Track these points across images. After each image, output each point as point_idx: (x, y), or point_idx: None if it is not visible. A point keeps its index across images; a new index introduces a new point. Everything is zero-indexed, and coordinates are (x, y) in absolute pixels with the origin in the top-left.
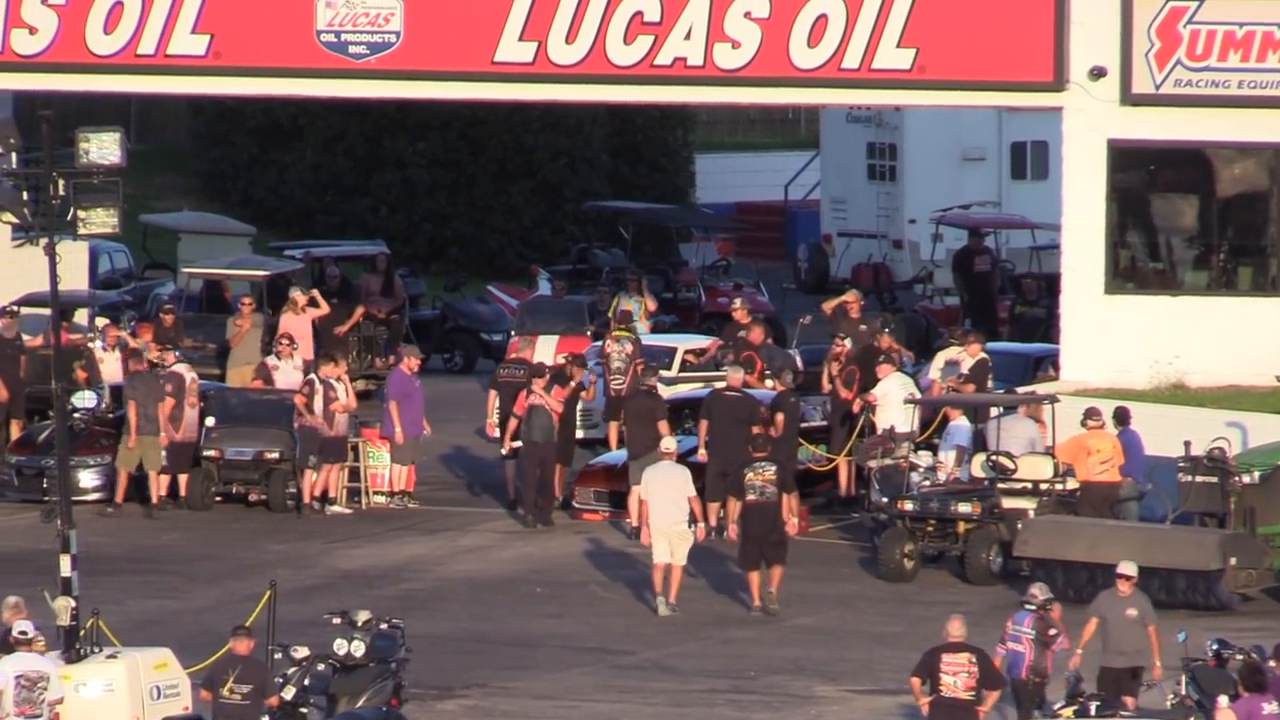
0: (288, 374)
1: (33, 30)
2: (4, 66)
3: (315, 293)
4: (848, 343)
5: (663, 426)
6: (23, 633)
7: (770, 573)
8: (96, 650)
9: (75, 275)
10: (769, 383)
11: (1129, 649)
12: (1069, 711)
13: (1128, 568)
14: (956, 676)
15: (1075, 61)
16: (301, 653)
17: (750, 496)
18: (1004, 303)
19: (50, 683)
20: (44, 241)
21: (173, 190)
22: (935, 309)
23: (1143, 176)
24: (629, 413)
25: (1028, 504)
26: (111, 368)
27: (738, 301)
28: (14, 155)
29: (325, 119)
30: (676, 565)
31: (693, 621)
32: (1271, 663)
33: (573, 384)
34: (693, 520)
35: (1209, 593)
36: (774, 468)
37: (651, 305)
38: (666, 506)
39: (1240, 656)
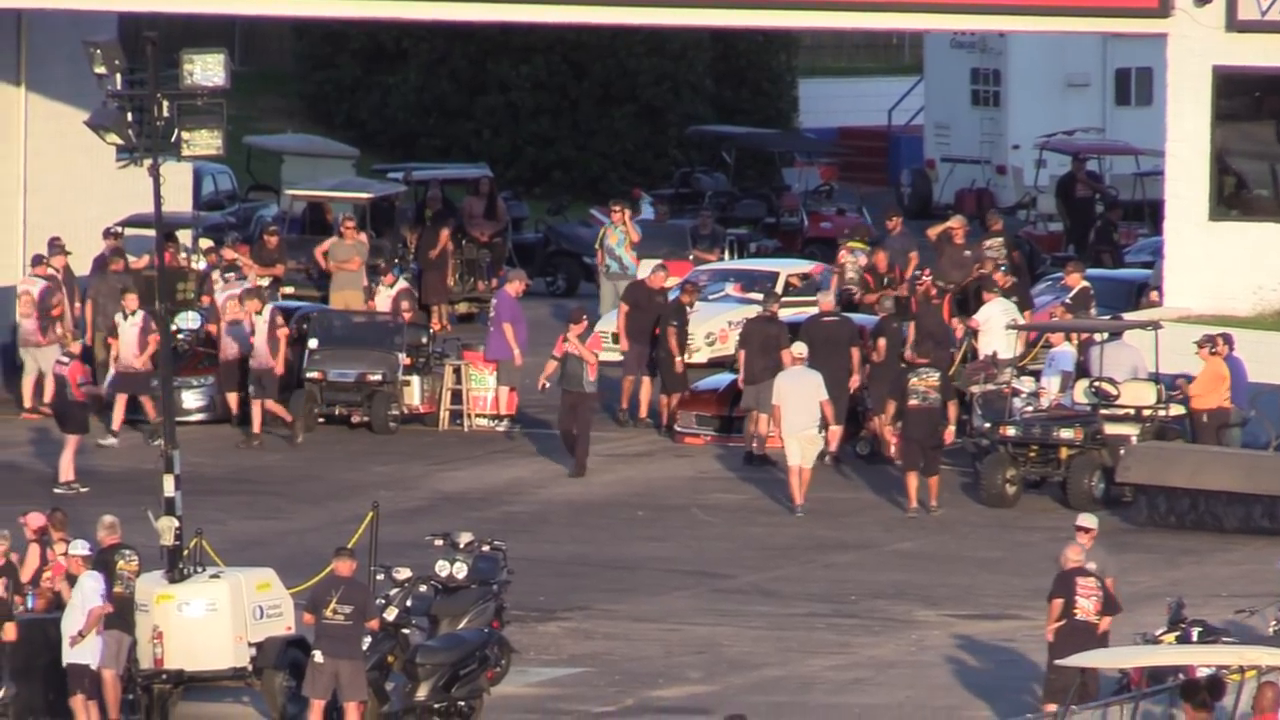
0: (388, 297)
1: None
2: None
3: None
4: (928, 277)
5: (785, 355)
6: (90, 551)
7: (929, 482)
8: (200, 570)
9: (179, 197)
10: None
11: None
12: (1171, 637)
13: (1087, 520)
14: (1089, 599)
15: None
16: (404, 574)
17: (913, 401)
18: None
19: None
20: (148, 163)
21: (276, 113)
22: (1038, 234)
23: (1247, 103)
24: (750, 339)
25: (1130, 430)
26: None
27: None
28: (119, 77)
29: (429, 41)
30: (807, 468)
31: (794, 545)
32: None
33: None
34: (824, 425)
35: None
36: (938, 374)
37: (635, 236)
38: (799, 411)
39: None
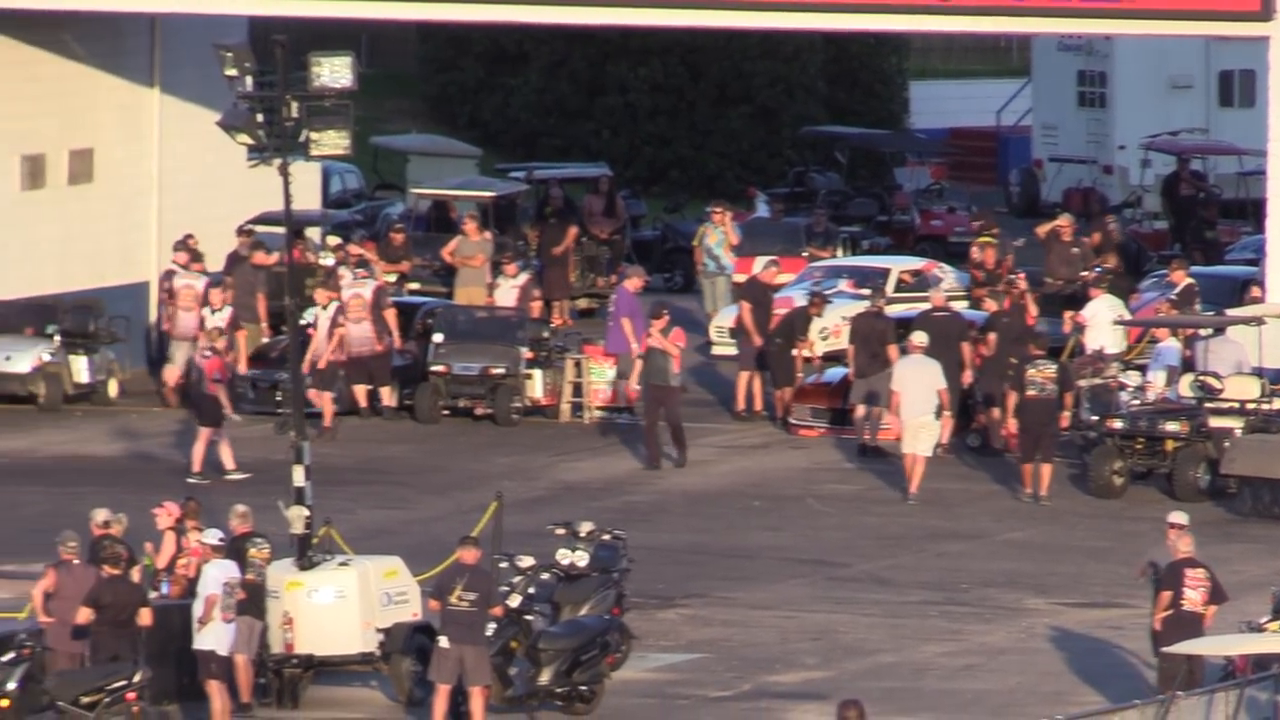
0: (508, 292)
1: None
2: None
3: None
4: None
5: (892, 350)
6: (222, 540)
7: (1041, 470)
8: (329, 558)
9: (308, 195)
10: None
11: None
12: (1275, 625)
13: (1178, 517)
14: (1196, 590)
15: None
16: (526, 562)
17: (1030, 392)
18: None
19: (239, 587)
20: (278, 162)
21: (401, 113)
22: (1144, 233)
23: None
24: (856, 333)
25: (1234, 423)
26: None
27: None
28: (249, 79)
29: (550, 44)
30: (921, 455)
31: (908, 535)
32: None
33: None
34: (940, 412)
35: None
36: (1055, 365)
37: (734, 239)
38: (917, 399)
39: None
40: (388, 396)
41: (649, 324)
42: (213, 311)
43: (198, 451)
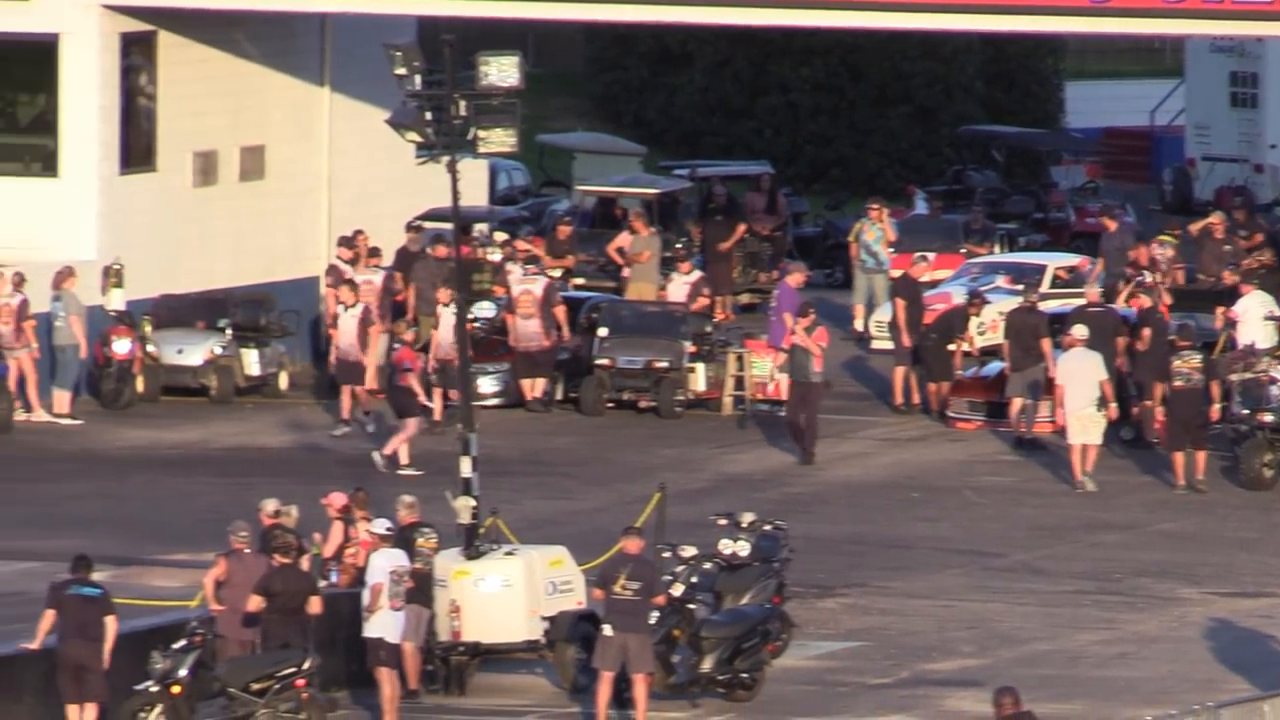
0: (680, 288)
1: None
2: None
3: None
4: (1147, 275)
5: (1045, 344)
6: (390, 529)
7: (1196, 456)
8: (495, 547)
9: (475, 191)
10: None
11: None
12: None
13: None
14: None
15: None
16: (689, 552)
17: (1178, 383)
18: None
19: (407, 575)
20: (446, 159)
21: (567, 112)
22: None
23: None
24: (1011, 328)
25: None
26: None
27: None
28: (418, 78)
29: (713, 45)
30: (1091, 444)
31: (1062, 525)
32: None
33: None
34: (1103, 403)
35: None
36: (1200, 355)
37: (891, 235)
38: (1080, 391)
39: None
40: (538, 389)
41: (811, 320)
42: (345, 309)
43: (398, 443)
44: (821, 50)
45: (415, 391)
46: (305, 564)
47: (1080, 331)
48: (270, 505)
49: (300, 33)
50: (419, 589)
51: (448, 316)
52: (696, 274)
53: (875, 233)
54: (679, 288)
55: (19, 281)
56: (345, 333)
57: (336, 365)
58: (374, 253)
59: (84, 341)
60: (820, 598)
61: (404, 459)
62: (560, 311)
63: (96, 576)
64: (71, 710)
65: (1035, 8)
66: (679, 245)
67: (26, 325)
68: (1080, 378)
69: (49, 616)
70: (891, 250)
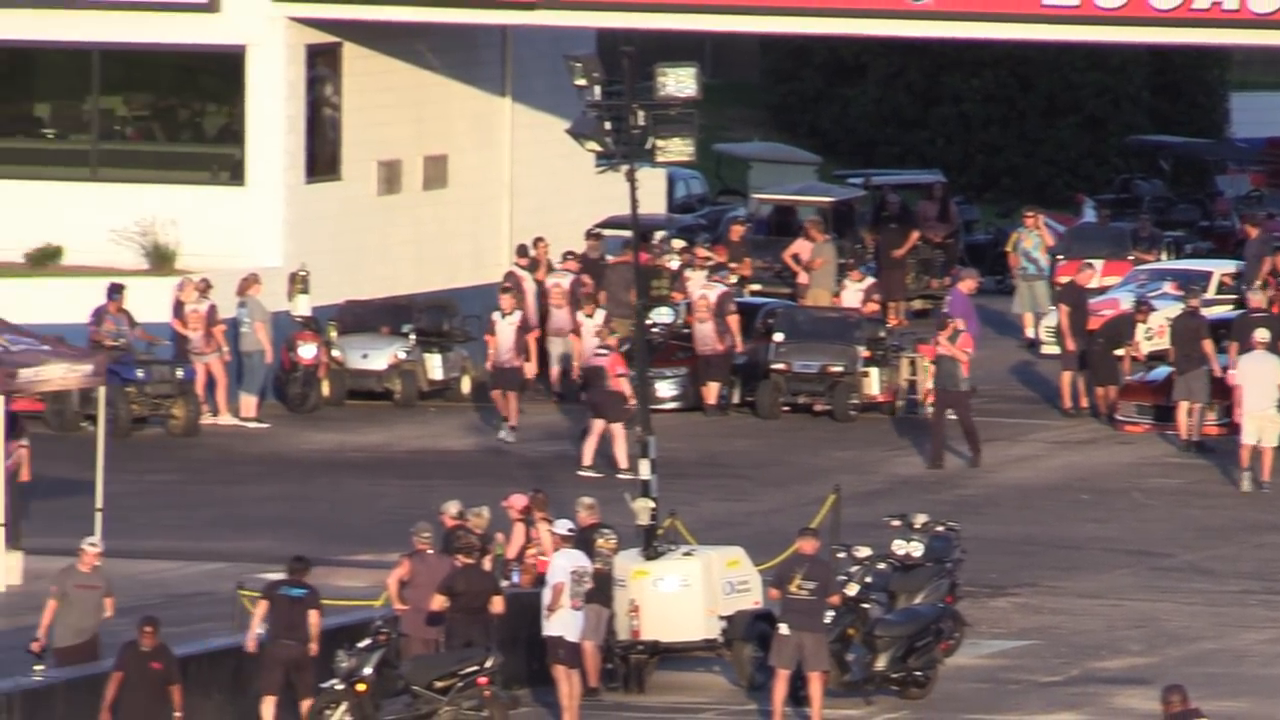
0: (854, 294)
1: None
2: (589, 6)
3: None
4: None
5: (1206, 345)
6: (570, 530)
7: None
8: (674, 548)
9: (653, 200)
10: None
11: None
12: None
13: None
14: None
15: None
16: (863, 552)
17: None
18: None
19: (590, 576)
20: (625, 168)
21: (743, 122)
22: None
23: None
24: (1175, 333)
25: None
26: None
27: None
28: (597, 88)
29: (886, 57)
30: (1266, 446)
31: (1229, 526)
32: None
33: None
34: None
35: None
36: None
37: (1049, 240)
38: (1258, 393)
39: None
40: (713, 393)
41: (953, 329)
42: (503, 315)
43: (618, 451)
44: (992, 62)
45: (626, 396)
46: (488, 564)
47: (1263, 335)
48: (453, 507)
49: (482, 44)
50: (599, 589)
51: (589, 325)
52: (869, 280)
53: (1033, 240)
54: (853, 294)
55: (205, 288)
56: (503, 339)
57: (492, 372)
58: (567, 256)
59: (269, 347)
60: (992, 597)
61: (587, 460)
62: (733, 320)
63: (278, 577)
64: (267, 703)
65: (1202, 20)
66: (851, 259)
67: (216, 330)
68: (1261, 379)
69: (261, 608)
70: (1051, 256)
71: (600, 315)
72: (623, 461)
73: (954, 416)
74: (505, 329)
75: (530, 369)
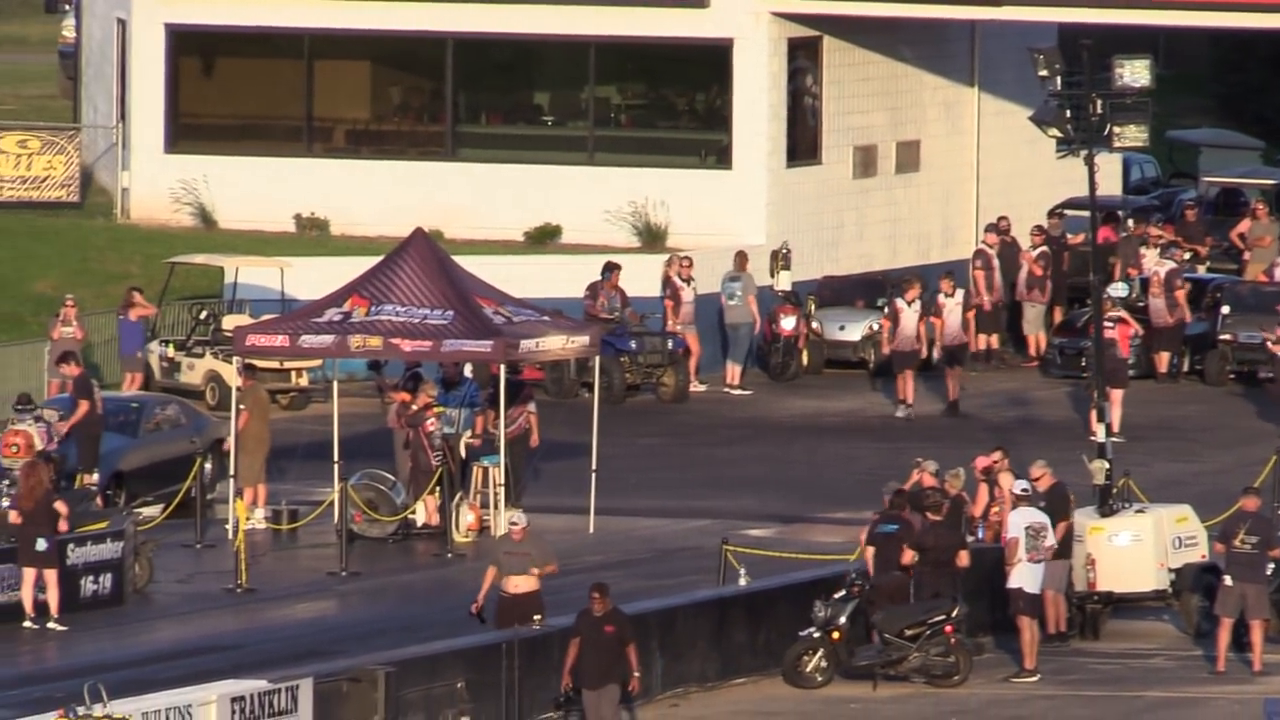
0: None
1: None
2: (1052, 1)
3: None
4: None
5: None
6: (1025, 490)
7: None
8: (1127, 506)
9: (1109, 183)
10: None
11: None
12: None
13: None
14: None
15: None
16: None
17: None
18: None
19: (1048, 531)
20: (1084, 153)
21: (1192, 110)
22: None
23: None
24: None
25: None
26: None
27: None
28: (1059, 79)
29: None
30: None
31: None
32: None
33: None
34: None
35: None
36: None
37: None
38: None
39: None
40: (1163, 364)
41: None
42: (947, 296)
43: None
44: None
45: (1128, 364)
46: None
47: None
48: (930, 466)
49: (952, 38)
50: (1062, 543)
51: (951, 305)
52: None
53: None
54: None
55: (689, 265)
56: (907, 326)
57: (893, 354)
58: (1038, 230)
59: (757, 319)
60: None
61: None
62: (1180, 294)
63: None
64: None
65: None
66: None
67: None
68: None
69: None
70: None
71: (959, 294)
72: (1116, 425)
73: None
74: (909, 316)
75: (973, 343)
